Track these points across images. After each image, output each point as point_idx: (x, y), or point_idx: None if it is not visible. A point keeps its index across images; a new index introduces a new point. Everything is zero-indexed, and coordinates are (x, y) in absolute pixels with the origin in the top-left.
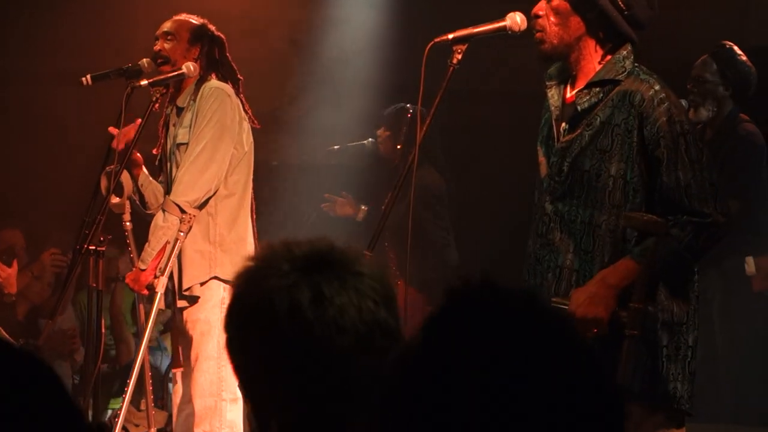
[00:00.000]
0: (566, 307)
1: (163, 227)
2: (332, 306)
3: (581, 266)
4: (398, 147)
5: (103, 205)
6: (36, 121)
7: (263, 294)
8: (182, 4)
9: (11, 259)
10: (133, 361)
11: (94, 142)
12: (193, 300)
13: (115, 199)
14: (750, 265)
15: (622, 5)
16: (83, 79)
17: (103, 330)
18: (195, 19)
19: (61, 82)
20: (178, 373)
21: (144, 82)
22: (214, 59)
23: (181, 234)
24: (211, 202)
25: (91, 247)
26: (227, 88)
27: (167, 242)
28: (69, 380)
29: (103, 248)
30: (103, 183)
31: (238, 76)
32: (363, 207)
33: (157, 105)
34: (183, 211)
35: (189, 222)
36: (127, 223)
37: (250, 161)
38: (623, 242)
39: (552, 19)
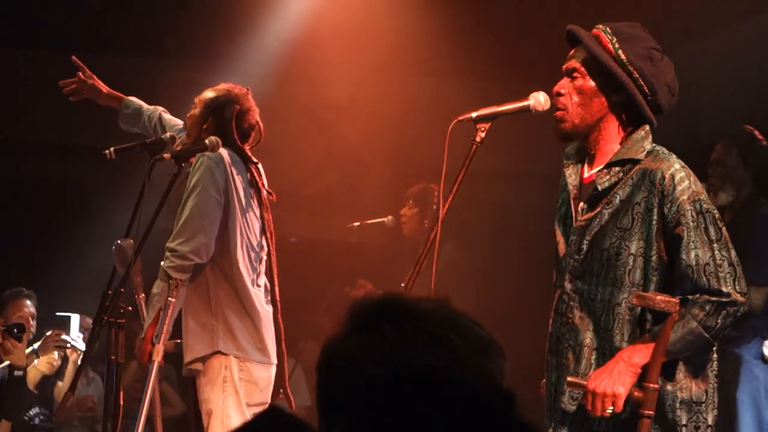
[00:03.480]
0: (583, 386)
1: (156, 294)
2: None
3: (600, 344)
4: (425, 224)
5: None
6: (58, 192)
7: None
8: (206, 81)
9: (21, 333)
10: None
11: (117, 213)
12: (195, 373)
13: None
14: None
15: (647, 90)
16: (107, 152)
17: (122, 402)
18: (213, 90)
19: (85, 154)
20: None
21: (167, 156)
22: (222, 129)
23: (171, 300)
24: (209, 272)
25: (110, 319)
26: (217, 156)
27: (160, 309)
28: None
29: (123, 320)
30: (115, 255)
31: (240, 145)
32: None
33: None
34: (170, 277)
35: (177, 287)
36: (140, 296)
37: (252, 231)
38: (642, 321)
39: (575, 98)
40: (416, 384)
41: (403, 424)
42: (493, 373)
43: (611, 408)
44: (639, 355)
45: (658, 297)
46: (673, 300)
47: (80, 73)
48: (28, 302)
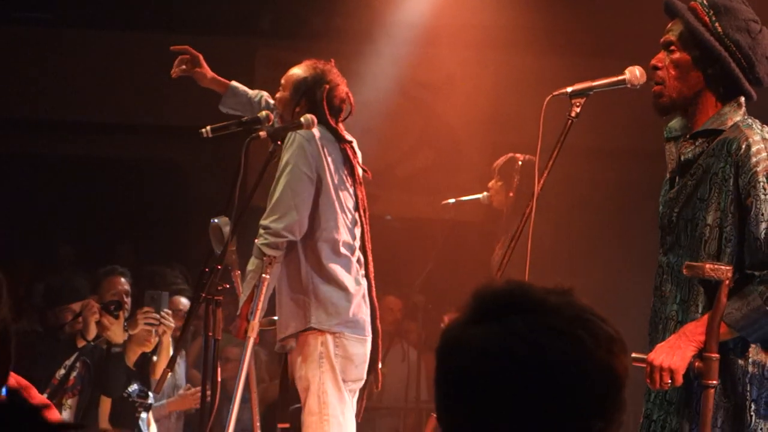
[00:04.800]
0: (644, 360)
1: (251, 272)
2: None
3: (682, 317)
4: (510, 195)
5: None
6: (156, 171)
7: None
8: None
9: (118, 310)
10: (230, 412)
11: (212, 191)
12: (288, 349)
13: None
14: None
15: (744, 63)
16: (203, 130)
17: (219, 379)
18: (300, 70)
19: (181, 133)
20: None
21: (262, 134)
22: (314, 110)
23: (265, 276)
24: (302, 248)
25: (208, 296)
26: (308, 134)
27: (255, 286)
28: None
29: (220, 297)
30: (211, 233)
31: (333, 124)
32: None
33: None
34: (263, 254)
35: (271, 264)
36: (235, 273)
37: (345, 208)
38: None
39: (672, 72)
40: (541, 379)
41: (524, 417)
42: (618, 371)
43: (669, 381)
44: (701, 328)
45: (707, 266)
46: (723, 267)
47: (192, 50)
48: (123, 279)
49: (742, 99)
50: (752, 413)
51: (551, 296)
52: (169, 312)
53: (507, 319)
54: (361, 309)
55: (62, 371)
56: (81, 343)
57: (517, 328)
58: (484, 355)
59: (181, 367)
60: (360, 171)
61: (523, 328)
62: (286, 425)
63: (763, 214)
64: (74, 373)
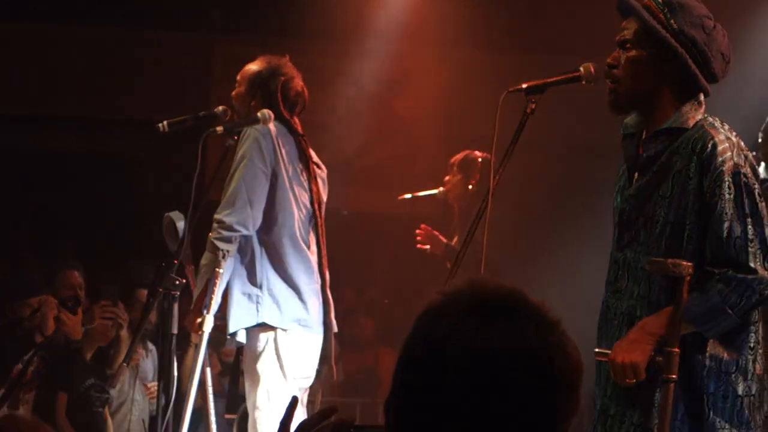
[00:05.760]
0: (608, 356)
1: (205, 266)
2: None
3: (641, 312)
4: (469, 188)
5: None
6: (109, 164)
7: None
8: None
9: (76, 305)
10: (185, 405)
11: (167, 185)
12: (238, 344)
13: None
14: None
15: (700, 59)
16: (160, 125)
17: (175, 374)
18: (255, 65)
19: (137, 127)
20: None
21: (219, 129)
22: (270, 103)
23: (219, 271)
24: (255, 243)
25: (164, 291)
26: (264, 128)
27: (208, 280)
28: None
29: (177, 292)
30: (164, 227)
31: (288, 117)
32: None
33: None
34: (217, 248)
35: (224, 258)
36: (189, 267)
37: (300, 203)
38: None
39: (628, 69)
40: (544, 389)
41: (522, 421)
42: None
43: (633, 378)
44: (659, 323)
45: (669, 261)
46: (684, 263)
47: None
48: (76, 273)
49: (702, 97)
50: (710, 406)
51: (543, 306)
52: (122, 306)
53: (519, 324)
54: (313, 305)
55: (20, 366)
56: (39, 339)
57: (529, 336)
58: (497, 358)
59: (147, 362)
60: (314, 165)
61: (534, 338)
62: (234, 416)
63: (726, 213)
64: (32, 368)
